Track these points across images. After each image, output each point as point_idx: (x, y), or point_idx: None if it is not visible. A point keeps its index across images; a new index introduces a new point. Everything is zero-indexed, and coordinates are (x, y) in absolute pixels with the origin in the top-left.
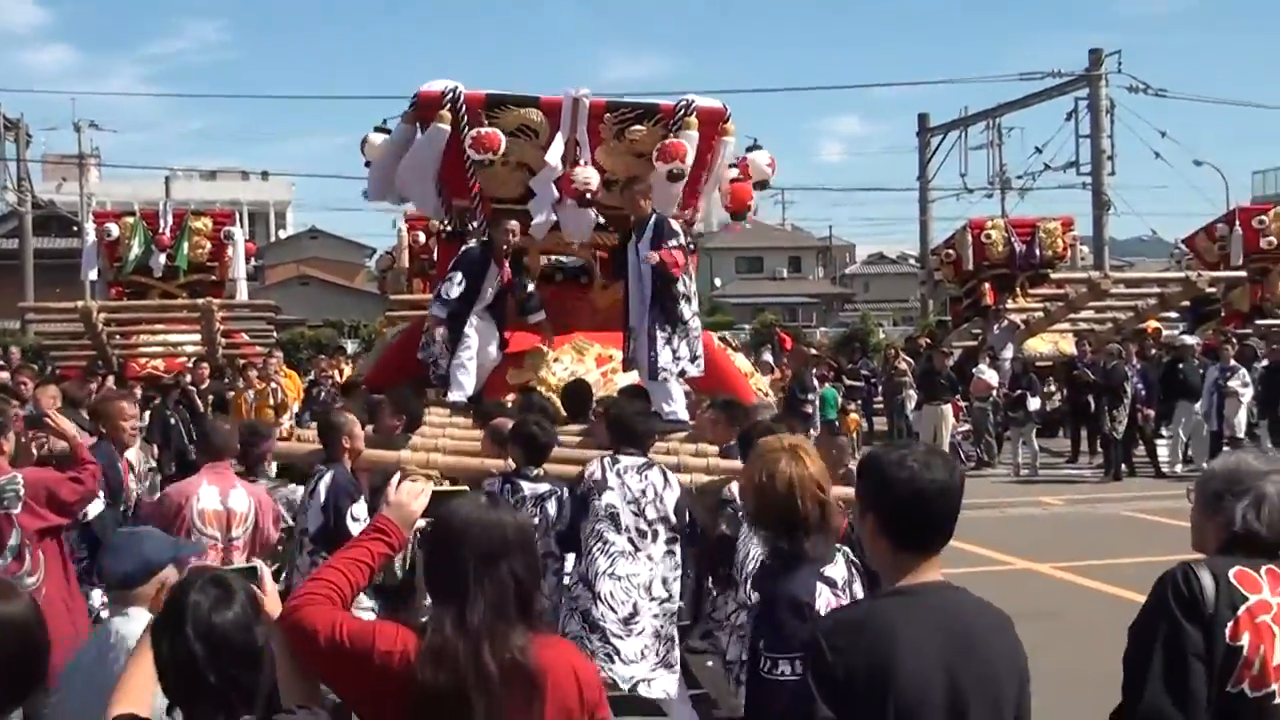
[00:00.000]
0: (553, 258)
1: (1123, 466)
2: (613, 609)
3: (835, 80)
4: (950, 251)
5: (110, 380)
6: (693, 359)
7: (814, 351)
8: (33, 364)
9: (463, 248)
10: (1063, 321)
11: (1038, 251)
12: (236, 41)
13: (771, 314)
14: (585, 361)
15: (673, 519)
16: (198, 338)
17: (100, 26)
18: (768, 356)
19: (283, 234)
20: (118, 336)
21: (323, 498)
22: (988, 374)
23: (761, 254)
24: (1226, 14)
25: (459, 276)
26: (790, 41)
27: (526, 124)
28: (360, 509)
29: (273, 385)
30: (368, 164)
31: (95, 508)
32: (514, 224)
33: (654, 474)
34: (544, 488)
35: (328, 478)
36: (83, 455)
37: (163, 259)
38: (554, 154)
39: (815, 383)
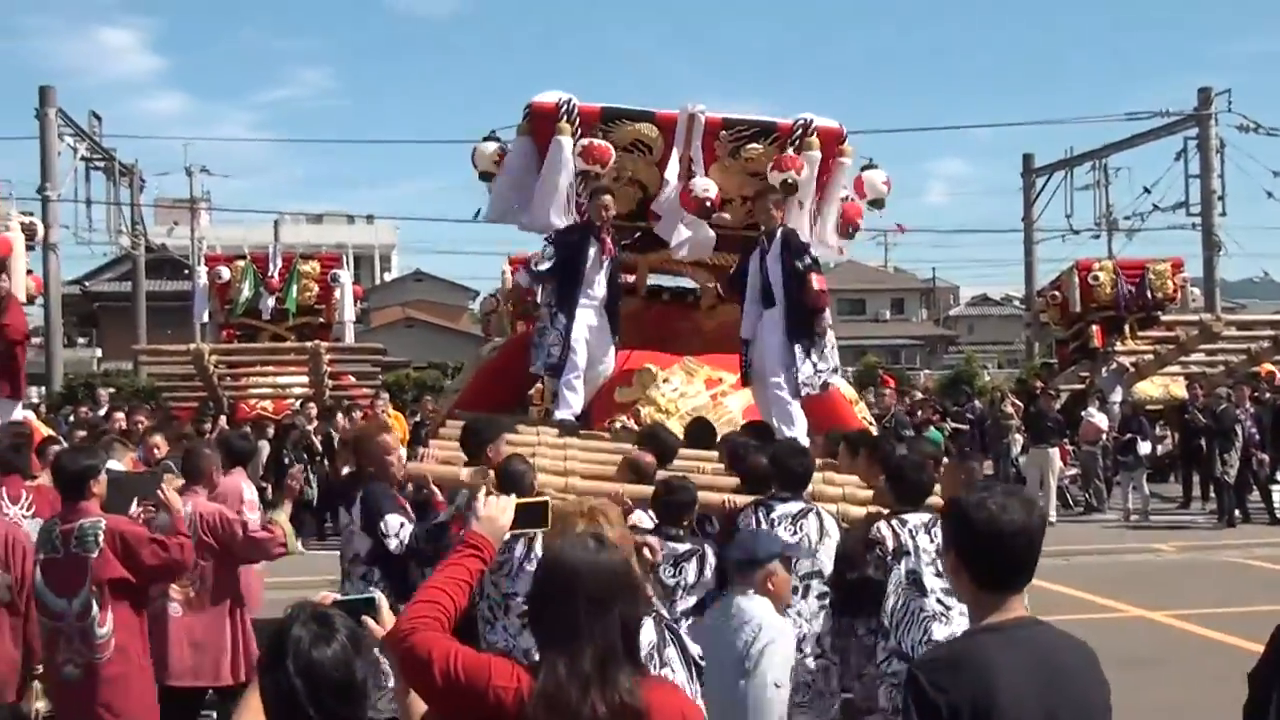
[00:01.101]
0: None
1: (1236, 512)
2: None
3: (938, 122)
4: (1056, 293)
5: (222, 420)
6: (834, 369)
7: (920, 394)
8: (147, 403)
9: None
10: (1173, 364)
11: (1147, 293)
12: (343, 89)
13: (874, 356)
14: (695, 383)
15: (826, 572)
16: (306, 380)
17: (213, 74)
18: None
19: (388, 277)
20: (228, 378)
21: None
22: (1097, 417)
23: (864, 296)
24: None
25: (550, 250)
26: (892, 83)
27: (641, 139)
28: None
29: None
30: (482, 176)
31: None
32: (607, 199)
33: (810, 522)
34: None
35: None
36: (180, 528)
37: (272, 302)
38: (672, 171)
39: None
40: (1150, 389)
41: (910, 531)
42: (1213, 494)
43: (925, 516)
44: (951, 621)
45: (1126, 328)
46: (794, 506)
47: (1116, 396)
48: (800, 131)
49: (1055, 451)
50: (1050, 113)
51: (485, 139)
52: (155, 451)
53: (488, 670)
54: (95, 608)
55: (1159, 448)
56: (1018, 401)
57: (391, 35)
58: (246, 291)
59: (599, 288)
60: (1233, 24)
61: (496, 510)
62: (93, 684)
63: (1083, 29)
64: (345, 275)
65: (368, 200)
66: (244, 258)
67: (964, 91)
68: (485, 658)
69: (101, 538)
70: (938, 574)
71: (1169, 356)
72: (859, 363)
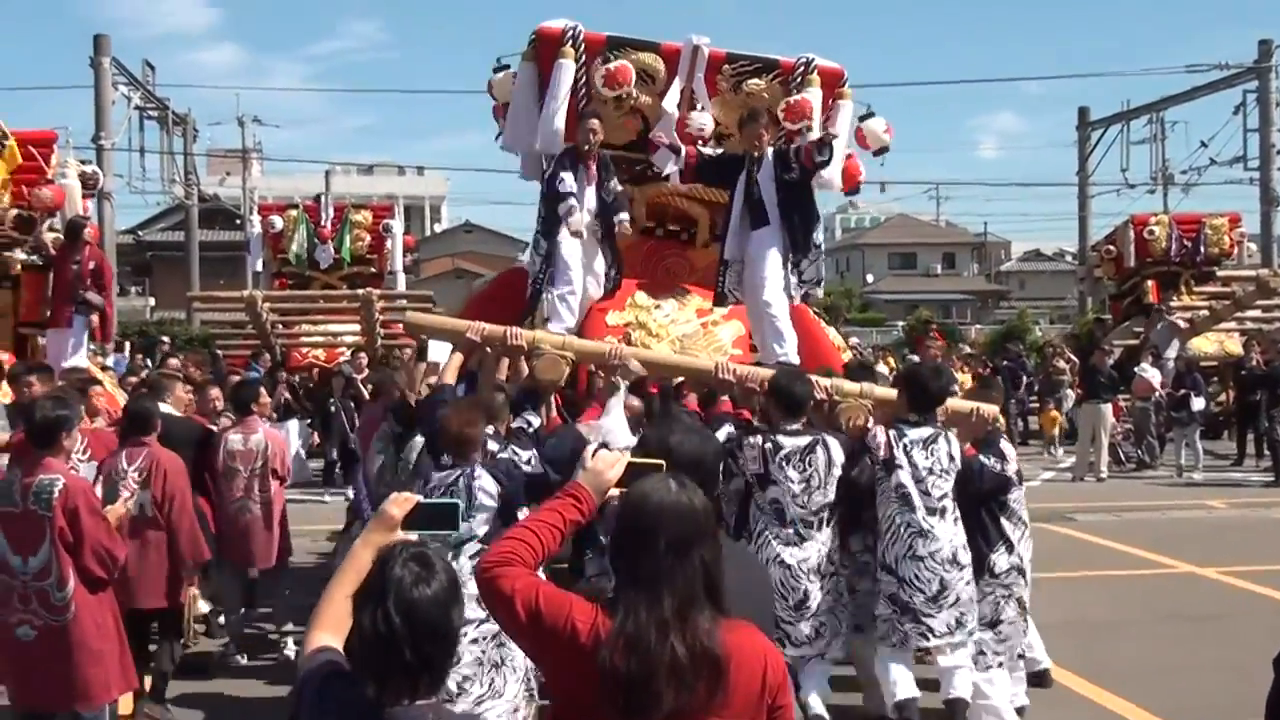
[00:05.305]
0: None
1: None
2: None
3: (992, 74)
4: (1111, 248)
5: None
6: (817, 281)
7: (968, 349)
8: (203, 348)
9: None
10: (1229, 320)
11: (1203, 248)
12: (395, 41)
13: (925, 311)
14: (686, 310)
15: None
16: (357, 328)
17: (266, 26)
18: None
19: (438, 228)
20: (280, 326)
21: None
22: (1150, 373)
23: (915, 250)
24: None
25: (569, 176)
26: (945, 35)
27: (645, 69)
28: None
29: None
30: (500, 107)
31: None
32: (595, 123)
33: (819, 456)
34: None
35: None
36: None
37: (329, 255)
38: (670, 100)
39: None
40: (1205, 345)
41: (906, 446)
42: (1267, 451)
43: (926, 431)
44: (937, 539)
45: (1182, 283)
46: (802, 440)
47: (1171, 352)
48: (802, 69)
49: (1108, 407)
50: (1106, 65)
51: (496, 69)
52: (216, 403)
53: (569, 606)
54: (56, 568)
55: (1212, 404)
56: (1071, 356)
57: None
58: (301, 241)
59: (581, 211)
60: None
61: (605, 464)
62: (48, 648)
63: None
64: (397, 225)
65: (418, 152)
66: (296, 207)
67: (1017, 43)
68: (568, 595)
69: (56, 497)
70: (926, 492)
71: (1224, 312)
72: (909, 317)
